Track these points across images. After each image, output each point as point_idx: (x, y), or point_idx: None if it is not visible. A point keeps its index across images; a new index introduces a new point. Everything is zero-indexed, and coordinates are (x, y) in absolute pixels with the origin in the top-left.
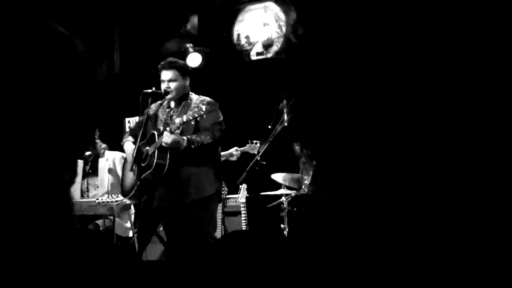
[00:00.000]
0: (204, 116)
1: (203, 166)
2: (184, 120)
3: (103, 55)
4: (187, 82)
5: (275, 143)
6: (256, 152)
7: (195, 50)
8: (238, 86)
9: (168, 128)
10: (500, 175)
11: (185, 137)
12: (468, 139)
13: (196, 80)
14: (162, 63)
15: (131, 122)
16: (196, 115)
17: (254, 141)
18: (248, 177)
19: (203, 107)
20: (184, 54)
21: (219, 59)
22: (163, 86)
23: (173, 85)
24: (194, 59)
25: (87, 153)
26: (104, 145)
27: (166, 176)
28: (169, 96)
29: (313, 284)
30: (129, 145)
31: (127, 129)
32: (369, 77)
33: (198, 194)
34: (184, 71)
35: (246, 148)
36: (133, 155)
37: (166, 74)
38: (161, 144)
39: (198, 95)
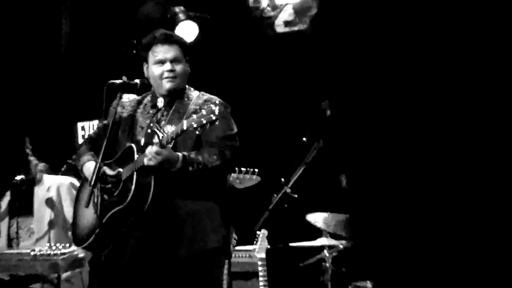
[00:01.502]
0: (210, 125)
1: (205, 201)
2: (183, 128)
3: (44, 26)
4: (188, 71)
5: (313, 167)
6: (252, 183)
7: (188, 17)
8: (254, 73)
9: (155, 140)
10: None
11: (180, 154)
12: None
13: (190, 64)
14: (157, 34)
15: (86, 128)
16: (202, 122)
17: (249, 170)
18: (271, 219)
19: (211, 111)
20: (171, 24)
21: (224, 31)
22: (159, 70)
23: (178, 67)
24: (186, 31)
25: (17, 177)
26: (41, 165)
27: (148, 216)
28: (169, 86)
29: None
30: (90, 166)
31: (80, 139)
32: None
33: (197, 246)
34: (187, 51)
35: (231, 180)
36: (91, 180)
37: (167, 50)
38: (141, 164)
39: (199, 91)
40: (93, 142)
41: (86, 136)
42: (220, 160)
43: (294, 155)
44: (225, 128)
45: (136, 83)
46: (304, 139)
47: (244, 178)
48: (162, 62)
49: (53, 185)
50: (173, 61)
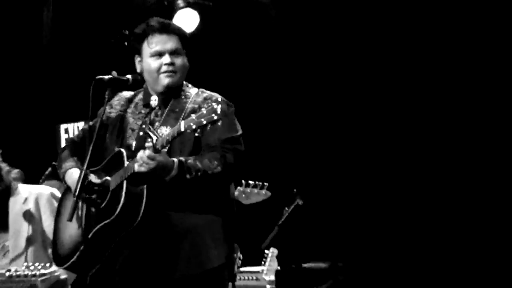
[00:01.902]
0: (211, 126)
1: (205, 214)
2: (180, 130)
3: (23, 15)
4: (188, 65)
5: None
6: (262, 198)
7: (188, 4)
8: (261, 69)
9: (147, 144)
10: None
11: (175, 160)
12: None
13: (188, 58)
14: (152, 23)
15: (70, 130)
16: (201, 123)
17: (258, 183)
18: (282, 236)
19: (212, 110)
20: (168, 11)
21: (229, 21)
22: (156, 63)
23: (178, 60)
24: (185, 20)
25: None
26: (15, 172)
27: (139, 231)
28: (168, 81)
29: None
30: (73, 174)
31: (64, 143)
32: None
33: (195, 265)
34: (186, 43)
35: (237, 194)
36: (75, 190)
37: (166, 41)
38: (132, 171)
39: (197, 87)
40: (76, 147)
41: (70, 140)
42: (222, 166)
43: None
44: (228, 130)
45: (128, 78)
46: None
47: (251, 193)
48: (160, 54)
49: (30, 196)
50: (173, 53)
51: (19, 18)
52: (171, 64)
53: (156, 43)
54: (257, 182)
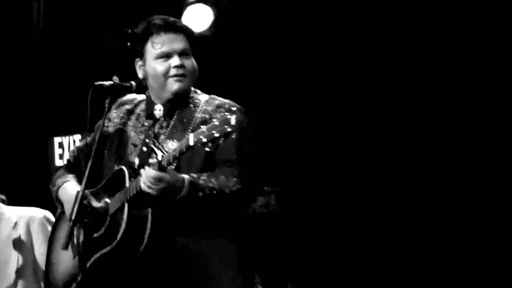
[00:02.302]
0: (225, 138)
1: (219, 239)
2: (189, 144)
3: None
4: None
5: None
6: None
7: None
8: (280, 75)
9: (152, 160)
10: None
11: (186, 177)
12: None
13: (200, 62)
14: (155, 21)
15: (65, 144)
16: (213, 136)
17: (273, 189)
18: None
19: (225, 121)
20: (178, 7)
21: (246, 20)
22: (163, 65)
23: (189, 63)
24: (196, 18)
25: None
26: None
27: (143, 260)
28: (177, 87)
29: None
30: (69, 189)
31: (58, 161)
32: None
33: None
34: (195, 44)
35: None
36: (72, 213)
37: (173, 40)
38: (135, 192)
39: (208, 94)
40: (72, 167)
41: (65, 157)
42: (241, 183)
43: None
44: (245, 142)
45: (131, 85)
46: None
47: (267, 200)
48: (167, 55)
49: (21, 220)
50: (182, 54)
51: (4, 12)
52: (181, 66)
53: (162, 43)
54: (273, 188)
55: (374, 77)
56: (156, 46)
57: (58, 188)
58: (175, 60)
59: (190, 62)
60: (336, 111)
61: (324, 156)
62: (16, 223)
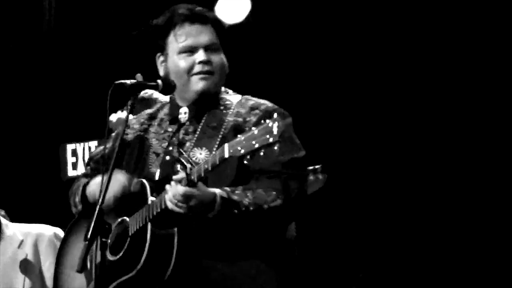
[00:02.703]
0: (265, 149)
1: (255, 262)
2: (223, 156)
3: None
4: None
5: None
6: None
7: None
8: (324, 72)
9: (176, 177)
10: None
11: (217, 192)
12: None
13: (233, 58)
14: (180, 10)
15: (79, 152)
16: (252, 147)
17: (308, 169)
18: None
19: (267, 130)
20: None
21: (289, 9)
22: (186, 61)
23: (216, 59)
24: (232, 8)
25: None
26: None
27: (169, 286)
28: (202, 86)
29: None
30: (96, 187)
31: (71, 171)
32: None
33: None
34: (226, 38)
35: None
36: (88, 232)
37: (199, 32)
38: (160, 210)
39: (241, 94)
40: (93, 172)
41: (79, 167)
42: (282, 198)
43: None
44: (289, 150)
45: (157, 84)
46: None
47: (309, 182)
48: (191, 50)
49: (28, 239)
50: (209, 48)
51: (15, 10)
52: (207, 62)
53: (186, 35)
54: (307, 168)
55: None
56: (179, 38)
57: (85, 185)
58: (200, 55)
59: (219, 58)
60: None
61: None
62: (22, 242)
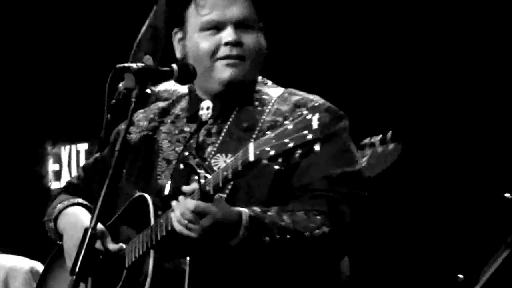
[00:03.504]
0: (305, 152)
1: None
2: (247, 159)
3: None
4: (265, 48)
5: None
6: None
7: None
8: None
9: (187, 187)
10: None
11: (244, 212)
12: None
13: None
14: None
15: (64, 158)
16: (284, 148)
17: (375, 138)
18: None
19: (305, 124)
20: None
21: None
22: (209, 42)
23: (249, 39)
24: None
25: None
26: None
27: None
28: (229, 75)
29: None
30: (74, 217)
31: (53, 182)
32: None
33: None
34: (266, 12)
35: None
36: (75, 264)
37: (227, 5)
38: (166, 233)
39: (282, 86)
40: (77, 192)
41: (63, 177)
42: (331, 225)
43: None
44: (339, 160)
45: (172, 69)
46: (507, 195)
47: (375, 155)
48: (217, 27)
49: None
50: (240, 25)
51: None
52: (236, 44)
53: (211, 7)
54: (373, 138)
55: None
56: (201, 11)
57: (58, 214)
58: (228, 34)
59: (253, 38)
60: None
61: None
62: None
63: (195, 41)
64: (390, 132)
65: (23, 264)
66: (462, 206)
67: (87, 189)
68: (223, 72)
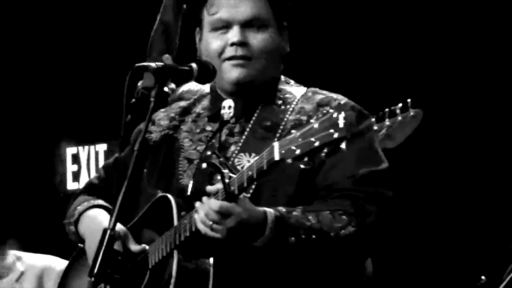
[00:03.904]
0: (331, 151)
1: None
2: (272, 158)
3: None
4: (285, 48)
5: None
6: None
7: None
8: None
9: (211, 187)
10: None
11: (270, 212)
12: None
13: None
14: None
15: (82, 158)
16: (310, 146)
17: (395, 108)
18: None
19: (331, 122)
20: None
21: None
22: (217, 41)
23: (256, 40)
24: None
25: None
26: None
27: None
28: (236, 75)
29: None
30: (96, 219)
31: (71, 183)
32: None
33: None
34: (284, 7)
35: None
36: (94, 265)
37: (238, 3)
38: (189, 234)
39: (305, 86)
40: (97, 192)
41: (82, 178)
42: (356, 224)
43: None
44: (365, 159)
45: (192, 68)
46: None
47: (395, 125)
48: (225, 26)
49: (29, 271)
50: (248, 25)
51: None
52: (241, 44)
53: (219, 7)
54: (393, 107)
55: None
56: (211, 10)
57: (78, 217)
58: (234, 35)
59: (262, 38)
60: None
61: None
62: (21, 274)
63: (206, 41)
64: (409, 100)
65: (56, 264)
66: (487, 206)
67: (107, 189)
68: (230, 72)
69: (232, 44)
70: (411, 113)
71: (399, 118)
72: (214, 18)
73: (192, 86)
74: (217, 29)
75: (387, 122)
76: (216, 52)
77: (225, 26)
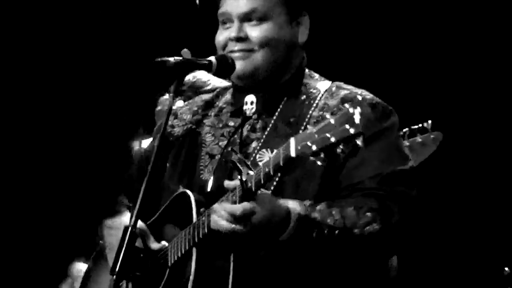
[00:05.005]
0: (350, 148)
1: None
2: (289, 154)
3: None
4: (300, 37)
5: None
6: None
7: None
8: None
9: (229, 183)
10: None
11: (293, 207)
12: None
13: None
14: None
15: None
16: (326, 142)
17: (414, 128)
18: None
19: (347, 118)
20: None
21: None
22: (221, 36)
23: (256, 33)
24: None
25: None
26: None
27: None
28: (240, 68)
29: None
30: (115, 225)
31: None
32: None
33: None
34: (294, 5)
35: (413, 143)
36: (116, 263)
37: None
38: (207, 232)
39: (330, 80)
40: (129, 184)
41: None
42: (381, 221)
43: None
44: (388, 157)
45: (211, 62)
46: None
47: (414, 146)
48: (227, 20)
49: None
50: (247, 18)
51: None
52: (239, 39)
53: (224, 2)
54: (413, 127)
55: None
56: (219, 4)
57: (103, 226)
58: (232, 30)
59: (263, 31)
60: None
61: None
62: None
63: (217, 34)
64: (430, 121)
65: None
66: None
67: (139, 177)
68: (235, 66)
69: (231, 39)
70: (432, 136)
71: (419, 139)
72: (220, 12)
73: (200, 74)
74: (223, 23)
75: (406, 143)
76: (221, 45)
77: (229, 19)
